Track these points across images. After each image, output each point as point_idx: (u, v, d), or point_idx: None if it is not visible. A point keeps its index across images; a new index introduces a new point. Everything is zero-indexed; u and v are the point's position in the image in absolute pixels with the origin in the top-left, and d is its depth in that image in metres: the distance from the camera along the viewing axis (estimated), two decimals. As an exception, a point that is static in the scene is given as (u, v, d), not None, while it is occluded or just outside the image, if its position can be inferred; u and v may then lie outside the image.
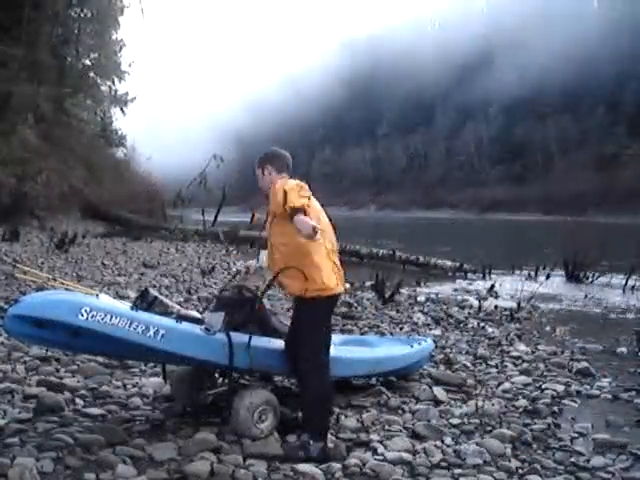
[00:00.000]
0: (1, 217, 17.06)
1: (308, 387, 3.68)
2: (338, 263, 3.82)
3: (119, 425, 3.77)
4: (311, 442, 3.55)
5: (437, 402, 4.67)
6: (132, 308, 3.60)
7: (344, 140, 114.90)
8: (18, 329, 3.33)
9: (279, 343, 3.96)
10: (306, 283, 3.62)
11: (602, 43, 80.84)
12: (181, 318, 3.71)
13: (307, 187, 3.62)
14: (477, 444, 3.82)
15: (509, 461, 3.66)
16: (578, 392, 5.17)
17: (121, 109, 34.45)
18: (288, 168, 3.91)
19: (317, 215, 3.75)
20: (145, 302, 3.74)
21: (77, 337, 3.33)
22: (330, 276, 3.68)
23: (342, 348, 4.63)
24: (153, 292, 3.88)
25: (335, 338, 4.62)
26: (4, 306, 6.68)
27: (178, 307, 3.97)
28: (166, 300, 3.93)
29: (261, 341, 3.89)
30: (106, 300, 3.65)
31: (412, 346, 5.13)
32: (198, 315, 3.97)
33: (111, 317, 3.32)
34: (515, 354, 6.45)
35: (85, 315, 3.25)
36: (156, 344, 3.45)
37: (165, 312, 3.72)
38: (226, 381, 4.17)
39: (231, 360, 3.66)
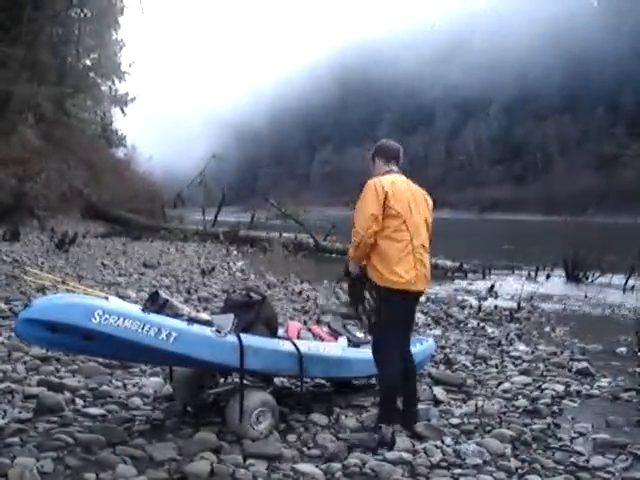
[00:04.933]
0: (1, 217, 17.05)
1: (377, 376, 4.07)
2: (426, 261, 4.03)
3: (119, 425, 3.77)
4: (382, 427, 3.75)
5: (437, 402, 4.68)
6: (143, 310, 3.56)
7: (344, 140, 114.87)
8: (30, 333, 3.29)
9: (288, 345, 3.99)
10: (376, 272, 3.85)
11: (602, 43, 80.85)
12: (192, 320, 3.67)
13: (389, 185, 3.89)
14: (477, 444, 3.82)
15: (509, 461, 3.66)
16: (578, 392, 5.17)
17: (121, 109, 34.51)
18: (396, 159, 4.17)
19: (403, 207, 3.93)
20: (156, 304, 3.68)
21: (89, 340, 3.30)
22: (405, 271, 3.82)
23: (347, 349, 4.61)
24: (164, 294, 3.82)
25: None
26: (3, 307, 6.69)
27: (188, 309, 3.94)
28: (176, 303, 3.87)
29: (270, 343, 3.93)
30: (117, 303, 3.62)
31: (415, 346, 5.13)
32: (208, 317, 3.93)
33: (124, 320, 3.30)
34: (515, 354, 6.46)
35: (98, 318, 3.23)
36: (168, 347, 3.43)
37: (176, 314, 3.67)
38: (227, 381, 4.20)
39: (242, 362, 3.63)
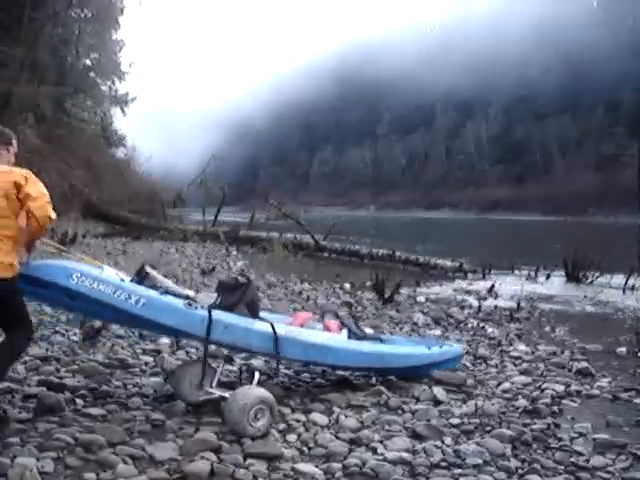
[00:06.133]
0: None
1: None
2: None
3: (119, 425, 3.77)
4: None
5: (437, 402, 4.68)
6: (123, 280, 4.00)
7: (344, 140, 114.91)
8: (23, 287, 3.71)
9: (264, 326, 4.29)
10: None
11: (602, 43, 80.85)
12: (167, 292, 4.09)
13: None
14: (477, 444, 3.82)
15: (509, 461, 3.66)
16: (578, 392, 5.18)
17: (121, 109, 34.50)
18: None
19: None
20: (139, 276, 4.18)
21: (73, 299, 3.81)
22: None
23: (336, 338, 4.79)
24: (148, 269, 4.27)
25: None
26: None
27: (170, 284, 4.33)
28: (159, 277, 4.32)
29: (243, 321, 4.24)
30: (107, 271, 4.06)
31: (430, 348, 5.27)
32: (189, 293, 4.32)
33: (98, 284, 3.79)
34: (515, 354, 6.47)
35: (76, 280, 3.75)
36: (136, 310, 3.86)
37: (153, 286, 4.10)
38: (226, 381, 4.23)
39: (208, 333, 4.00)
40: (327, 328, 4.95)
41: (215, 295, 4.33)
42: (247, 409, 3.67)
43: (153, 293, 3.98)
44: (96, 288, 3.77)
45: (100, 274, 3.90)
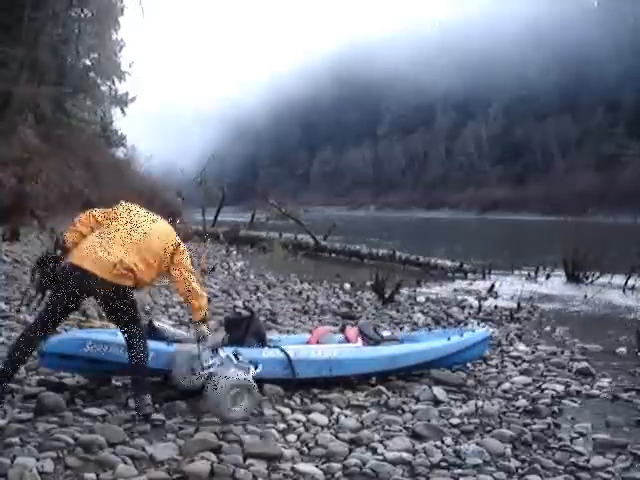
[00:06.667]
0: (1, 217, 17.04)
1: None
2: (107, 247, 3.99)
3: (119, 425, 3.77)
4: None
5: (437, 402, 4.68)
6: None
7: (344, 140, 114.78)
8: (49, 362, 4.35)
9: (257, 352, 4.64)
10: None
11: (602, 43, 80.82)
12: (175, 341, 4.54)
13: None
14: (477, 444, 3.82)
15: (509, 461, 3.66)
16: (578, 392, 5.18)
17: (121, 109, 34.46)
18: None
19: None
20: (149, 331, 4.54)
21: (90, 363, 4.31)
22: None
23: (344, 351, 4.95)
24: (155, 323, 4.78)
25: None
26: (4, 308, 6.70)
27: (178, 332, 4.80)
28: (166, 328, 4.80)
29: (251, 352, 4.55)
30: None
31: (449, 338, 5.44)
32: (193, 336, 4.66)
33: (109, 347, 4.29)
34: (515, 354, 6.47)
35: (88, 348, 4.28)
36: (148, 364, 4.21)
37: (162, 338, 4.55)
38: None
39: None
40: (347, 338, 5.22)
41: (223, 335, 4.77)
42: (222, 395, 3.88)
43: (160, 345, 4.44)
44: (107, 351, 4.28)
45: (113, 337, 4.32)
